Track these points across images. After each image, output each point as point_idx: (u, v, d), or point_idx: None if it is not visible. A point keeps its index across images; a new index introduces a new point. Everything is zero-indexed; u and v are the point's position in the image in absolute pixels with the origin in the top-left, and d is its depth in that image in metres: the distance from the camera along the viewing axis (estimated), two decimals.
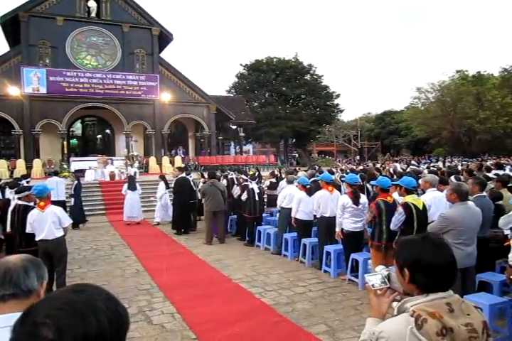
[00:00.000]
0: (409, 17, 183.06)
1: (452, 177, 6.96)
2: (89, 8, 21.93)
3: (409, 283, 1.62)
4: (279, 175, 12.54)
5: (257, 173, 12.53)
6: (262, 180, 12.31)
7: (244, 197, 9.16)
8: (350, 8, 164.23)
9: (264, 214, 9.87)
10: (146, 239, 10.11)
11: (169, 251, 8.69)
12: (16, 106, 20.12)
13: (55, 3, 21.05)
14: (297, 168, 14.66)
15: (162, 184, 12.24)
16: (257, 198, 9.10)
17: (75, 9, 21.45)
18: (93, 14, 22.01)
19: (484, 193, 5.34)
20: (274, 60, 39.81)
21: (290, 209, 7.99)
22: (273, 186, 10.64)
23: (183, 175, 11.42)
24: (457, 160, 28.61)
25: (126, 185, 12.45)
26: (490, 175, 8.88)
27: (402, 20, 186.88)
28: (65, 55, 21.25)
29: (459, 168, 13.19)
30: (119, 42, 22.37)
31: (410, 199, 4.94)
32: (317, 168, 14.26)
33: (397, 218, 4.86)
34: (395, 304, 1.72)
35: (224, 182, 10.69)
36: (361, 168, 16.45)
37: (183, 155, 24.45)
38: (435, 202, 5.39)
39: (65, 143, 21.41)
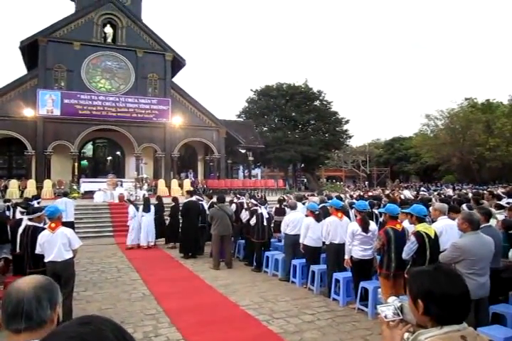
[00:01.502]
0: (418, 44, 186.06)
1: (464, 206, 6.89)
2: (105, 33, 22.68)
3: (422, 315, 1.60)
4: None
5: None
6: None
7: (252, 221, 9.13)
8: (360, 35, 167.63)
9: (272, 240, 9.80)
10: (153, 263, 10.05)
11: (176, 275, 8.62)
12: (30, 127, 20.51)
13: (73, 28, 21.78)
14: (306, 194, 14.60)
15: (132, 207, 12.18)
16: (265, 223, 9.06)
17: (92, 35, 22.17)
18: (109, 40, 22.74)
19: (490, 223, 5.27)
20: (284, 85, 40.41)
21: (294, 235, 7.95)
22: (280, 211, 10.60)
23: (193, 198, 11.39)
24: (467, 187, 28.39)
25: (132, 207, 12.25)
26: (502, 203, 8.77)
27: (411, 48, 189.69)
28: (80, 79, 21.78)
29: (469, 195, 13.05)
30: (133, 67, 22.91)
31: (422, 227, 4.88)
32: (324, 193, 14.21)
33: (410, 247, 4.79)
34: (406, 335, 1.70)
35: (233, 206, 10.69)
36: (370, 194, 16.33)
37: (193, 179, 24.46)
38: (447, 229, 5.34)
39: (75, 164, 21.65)
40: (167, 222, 12.50)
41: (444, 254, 4.34)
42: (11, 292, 1.48)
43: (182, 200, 12.75)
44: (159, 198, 13.23)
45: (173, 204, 12.57)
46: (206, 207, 11.49)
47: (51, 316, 1.50)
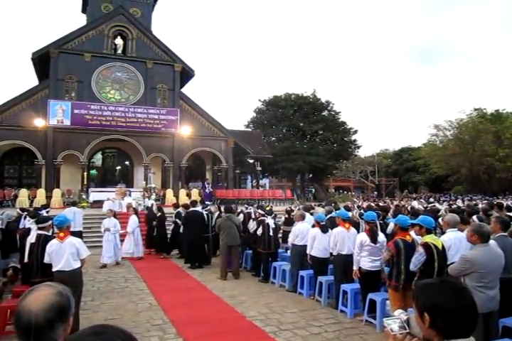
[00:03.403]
0: (426, 55, 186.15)
1: (474, 217, 6.79)
2: (115, 45, 23.01)
3: (429, 328, 1.59)
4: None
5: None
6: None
7: (259, 232, 9.11)
8: (368, 45, 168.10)
9: (280, 250, 9.76)
10: (160, 273, 10.05)
11: (183, 286, 8.61)
12: (40, 137, 20.75)
13: (84, 40, 22.14)
14: (313, 204, 14.53)
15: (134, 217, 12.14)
16: (271, 233, 9.03)
17: (103, 46, 22.51)
18: (119, 51, 23.05)
19: (506, 233, 5.20)
20: (293, 96, 40.51)
21: (301, 246, 7.92)
22: (288, 222, 10.57)
23: (195, 208, 11.35)
24: (477, 198, 28.14)
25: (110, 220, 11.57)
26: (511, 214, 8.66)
27: (420, 58, 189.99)
28: (90, 89, 22.06)
29: (480, 206, 12.90)
30: (143, 78, 23.17)
31: (430, 239, 4.84)
32: (333, 204, 14.11)
33: (418, 258, 4.74)
34: None
35: (240, 216, 10.68)
36: (381, 204, 16.16)
37: (211, 189, 23.38)
38: (456, 242, 5.28)
39: (85, 173, 21.81)
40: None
41: (453, 267, 4.29)
42: (21, 312, 1.42)
43: (169, 210, 12.94)
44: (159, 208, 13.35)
45: (160, 214, 12.57)
46: (206, 216, 11.46)
47: (64, 331, 1.47)
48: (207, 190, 22.91)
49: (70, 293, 1.54)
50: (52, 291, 1.49)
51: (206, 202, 15.04)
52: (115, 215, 11.97)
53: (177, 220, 12.24)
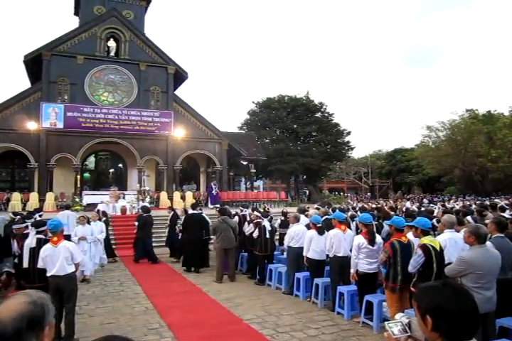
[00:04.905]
0: (419, 57, 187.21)
1: (469, 218, 6.83)
2: (108, 47, 22.90)
3: (432, 331, 1.59)
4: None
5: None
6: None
7: (255, 234, 9.09)
8: (362, 47, 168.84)
9: (275, 252, 9.74)
10: (156, 276, 9.98)
11: (179, 289, 8.56)
12: (33, 140, 20.57)
13: (76, 42, 22.02)
14: (307, 206, 14.54)
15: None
16: (267, 236, 9.02)
17: (95, 48, 22.38)
18: (112, 53, 22.93)
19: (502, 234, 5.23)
20: (286, 98, 40.59)
21: (297, 248, 7.91)
22: (284, 224, 10.56)
23: (194, 211, 11.30)
24: (470, 198, 28.31)
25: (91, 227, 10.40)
26: (505, 215, 8.72)
27: (413, 59, 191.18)
28: (83, 92, 21.92)
29: (473, 207, 12.97)
30: (136, 80, 23.07)
31: (428, 240, 4.85)
32: (327, 205, 14.10)
33: (416, 260, 4.75)
34: None
35: (236, 218, 10.64)
36: (374, 206, 16.20)
37: (218, 190, 22.44)
38: (451, 243, 5.29)
39: (78, 176, 21.65)
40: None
41: (451, 268, 4.30)
42: None
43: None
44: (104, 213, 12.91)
45: (104, 218, 12.07)
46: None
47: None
48: (213, 192, 22.16)
49: (48, 302, 1.48)
50: (26, 300, 1.44)
51: (215, 205, 14.95)
52: (89, 221, 10.61)
53: (135, 223, 12.23)
